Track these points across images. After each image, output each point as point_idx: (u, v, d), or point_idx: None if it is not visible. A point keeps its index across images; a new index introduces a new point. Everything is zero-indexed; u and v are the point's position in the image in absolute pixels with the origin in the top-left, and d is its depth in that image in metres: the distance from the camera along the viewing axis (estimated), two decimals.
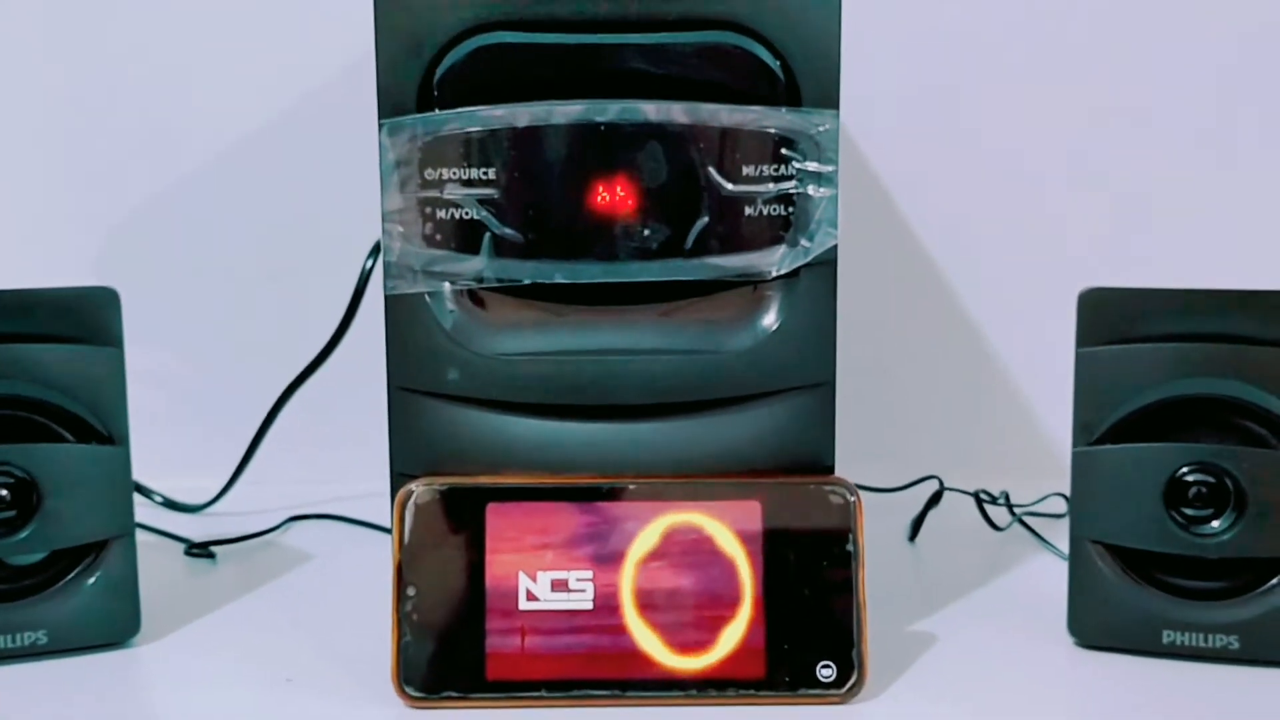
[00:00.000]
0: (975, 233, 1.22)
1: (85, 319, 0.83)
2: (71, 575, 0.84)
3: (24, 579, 0.83)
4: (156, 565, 0.99)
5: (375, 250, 1.06)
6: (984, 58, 1.21)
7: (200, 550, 1.03)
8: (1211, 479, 0.82)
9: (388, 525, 0.79)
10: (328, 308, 1.10)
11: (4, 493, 0.82)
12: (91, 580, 0.84)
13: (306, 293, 1.18)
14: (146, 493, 1.14)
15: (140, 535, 0.87)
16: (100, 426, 0.84)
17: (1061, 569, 0.87)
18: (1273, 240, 1.20)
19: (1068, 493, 1.07)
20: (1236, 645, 0.82)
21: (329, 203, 1.20)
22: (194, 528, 1.09)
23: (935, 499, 1.12)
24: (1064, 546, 0.88)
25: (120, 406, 0.84)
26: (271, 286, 1.22)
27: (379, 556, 0.89)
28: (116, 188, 1.21)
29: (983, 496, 1.11)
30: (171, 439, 1.17)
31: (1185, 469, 0.82)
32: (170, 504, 1.14)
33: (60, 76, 1.21)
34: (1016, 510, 1.10)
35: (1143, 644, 0.83)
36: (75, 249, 1.21)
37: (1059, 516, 1.10)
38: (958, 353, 1.24)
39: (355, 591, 0.95)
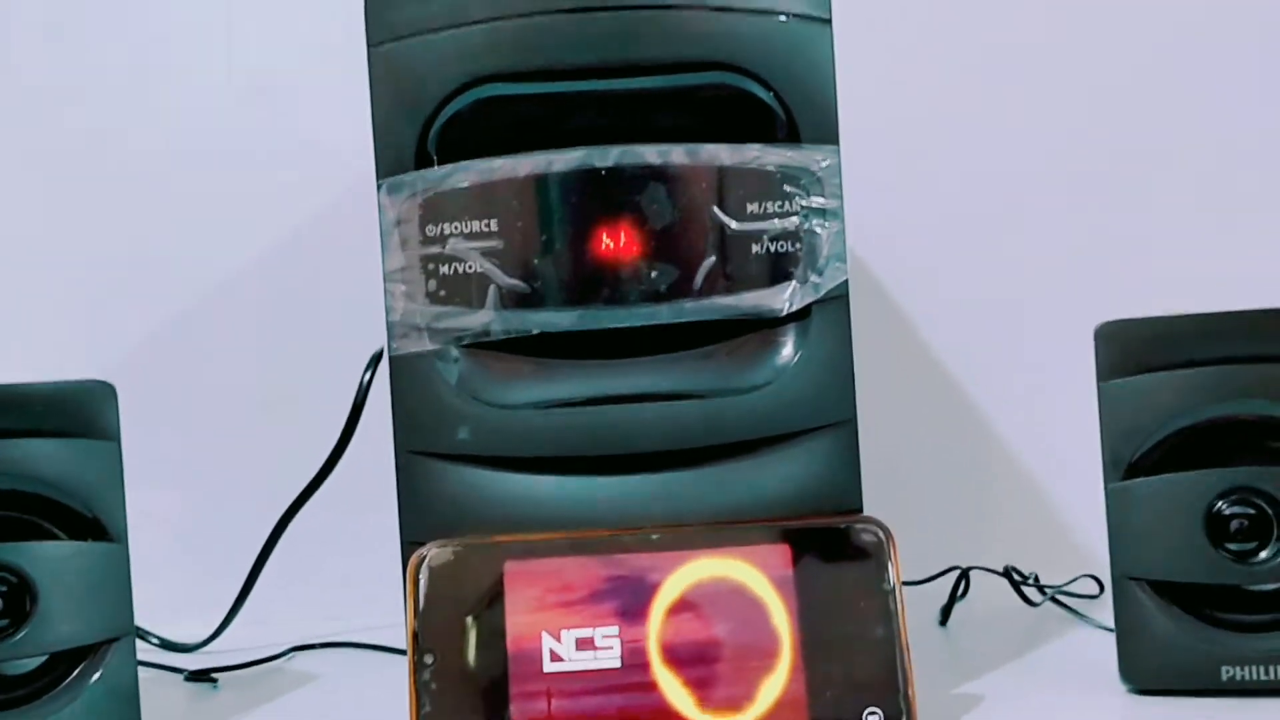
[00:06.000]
0: (971, 318, 1.21)
1: (80, 413, 0.81)
2: (69, 680, 0.80)
3: (18, 687, 0.79)
4: (156, 694, 0.94)
5: (374, 361, 1.05)
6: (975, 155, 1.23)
7: (201, 676, 0.98)
8: (1251, 510, 0.79)
9: (398, 647, 0.75)
10: (327, 433, 1.07)
11: None
12: (90, 685, 0.79)
13: (304, 420, 1.15)
14: (143, 635, 1.09)
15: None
16: (97, 523, 0.80)
17: (1105, 639, 0.84)
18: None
19: (1097, 573, 1.05)
20: None
21: (323, 325, 1.19)
22: (194, 665, 1.04)
23: (963, 585, 1.08)
24: (1104, 619, 0.83)
25: (117, 502, 0.81)
26: (266, 415, 1.20)
27: (390, 676, 0.85)
28: (107, 320, 1.20)
29: (1015, 575, 1.07)
30: (166, 583, 1.13)
31: (1222, 502, 0.79)
32: (167, 645, 1.09)
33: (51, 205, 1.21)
34: (1048, 590, 1.06)
35: (1201, 683, 0.79)
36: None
37: (1093, 597, 1.06)
38: (968, 445, 1.22)
39: (366, 704, 0.90)
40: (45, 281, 1.21)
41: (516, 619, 0.73)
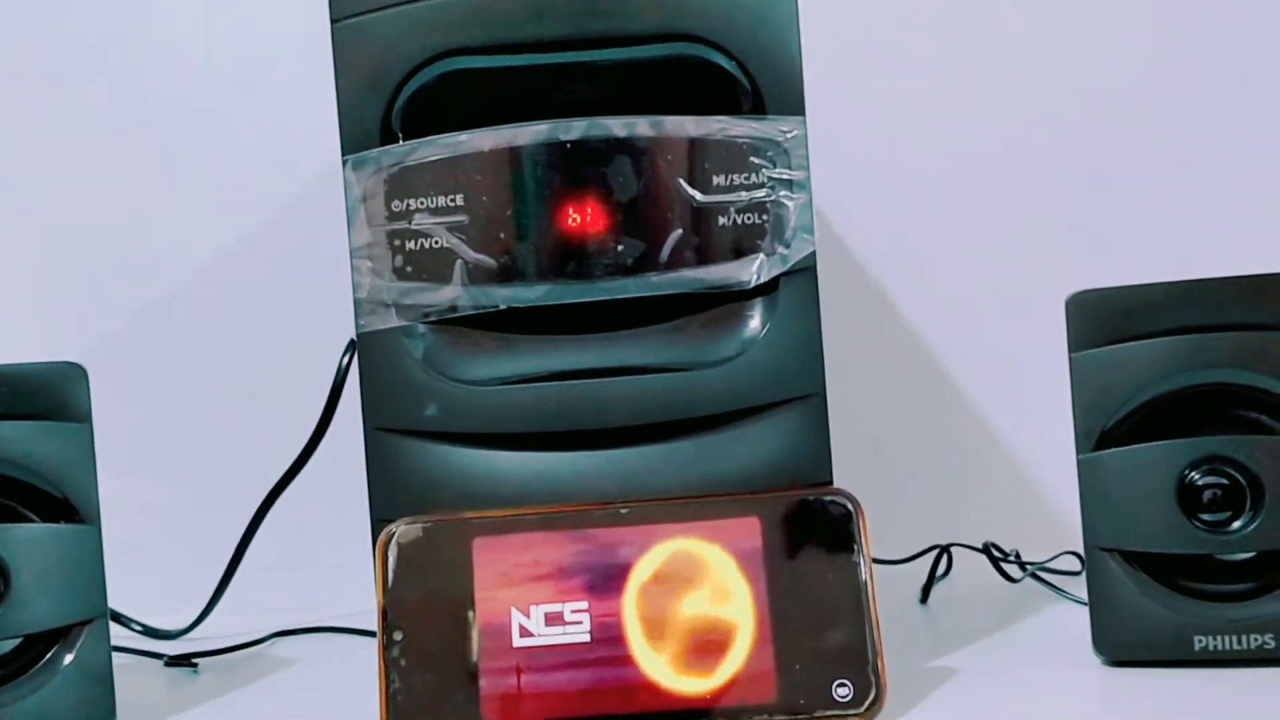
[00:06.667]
0: (948, 293, 1.21)
1: (51, 395, 0.81)
2: (42, 663, 0.80)
3: None
4: (135, 679, 0.94)
5: (352, 346, 1.04)
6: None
7: (181, 660, 0.98)
8: (1223, 480, 0.79)
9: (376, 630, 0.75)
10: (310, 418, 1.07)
11: None
12: (64, 667, 0.80)
13: (288, 406, 1.15)
14: (125, 622, 1.09)
15: (118, 658, 0.83)
16: (69, 505, 0.80)
17: (1083, 614, 0.83)
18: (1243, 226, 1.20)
19: (1077, 549, 1.05)
20: (1274, 643, 0.78)
21: (306, 310, 1.19)
22: (176, 651, 1.04)
23: (943, 563, 1.08)
24: (1084, 595, 0.83)
25: (90, 484, 0.81)
26: (248, 405, 1.20)
27: (370, 658, 0.85)
28: (86, 307, 1.21)
29: (994, 552, 1.07)
30: (149, 572, 1.13)
31: (1195, 472, 0.79)
32: (149, 631, 1.09)
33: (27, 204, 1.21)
34: (1028, 567, 1.06)
35: (1174, 653, 0.79)
36: None
37: (1074, 574, 1.05)
38: (952, 424, 1.22)
39: (344, 687, 0.90)
40: (27, 269, 1.21)
41: (485, 595, 0.73)
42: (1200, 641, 0.79)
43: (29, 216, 1.22)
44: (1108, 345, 0.81)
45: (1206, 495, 0.79)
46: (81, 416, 0.81)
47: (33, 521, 0.80)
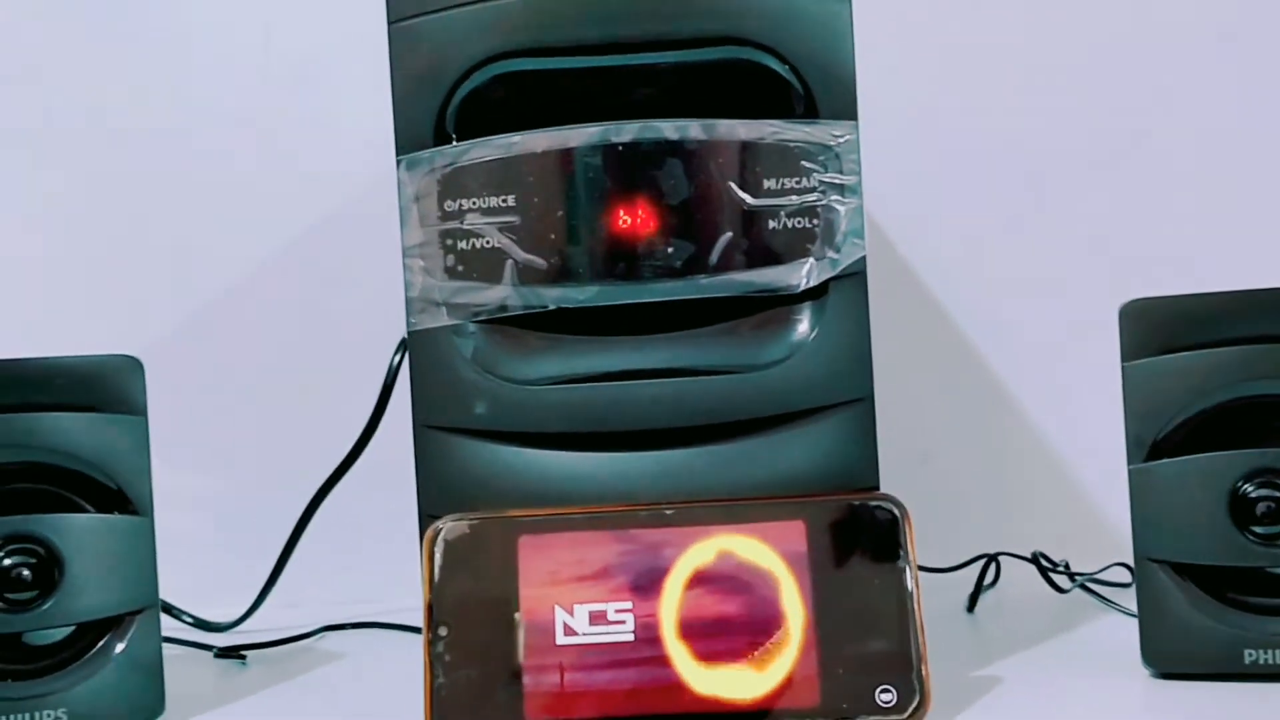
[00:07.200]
0: (1005, 304, 1.20)
1: (107, 387, 0.82)
2: (94, 651, 0.81)
3: (45, 657, 0.80)
4: (184, 670, 0.95)
5: (404, 344, 1.05)
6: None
7: (231, 652, 0.99)
8: (1278, 493, 0.78)
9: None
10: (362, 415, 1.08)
11: (26, 573, 0.80)
12: (115, 656, 0.81)
13: (341, 402, 1.16)
14: (176, 613, 1.10)
15: (168, 648, 0.85)
16: (123, 496, 0.82)
17: (1132, 625, 0.82)
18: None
19: (1127, 560, 1.04)
20: None
21: (359, 307, 1.20)
22: (226, 643, 1.05)
23: (991, 572, 1.08)
24: (1134, 607, 0.82)
25: (143, 476, 0.82)
26: (301, 402, 1.21)
27: (414, 654, 0.85)
28: (140, 309, 1.22)
29: (1043, 562, 1.06)
30: (200, 565, 1.14)
31: (1248, 485, 0.78)
32: (200, 623, 1.10)
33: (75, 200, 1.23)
34: (1077, 578, 1.05)
35: (1224, 667, 0.78)
36: None
37: (1125, 585, 1.04)
38: (1002, 432, 1.21)
39: (390, 682, 0.91)
40: (85, 266, 1.23)
41: (530, 592, 0.74)
42: (1250, 655, 0.78)
43: (86, 214, 1.23)
44: (1161, 355, 0.80)
45: (1260, 508, 0.78)
46: (137, 409, 0.82)
47: (87, 511, 0.81)
